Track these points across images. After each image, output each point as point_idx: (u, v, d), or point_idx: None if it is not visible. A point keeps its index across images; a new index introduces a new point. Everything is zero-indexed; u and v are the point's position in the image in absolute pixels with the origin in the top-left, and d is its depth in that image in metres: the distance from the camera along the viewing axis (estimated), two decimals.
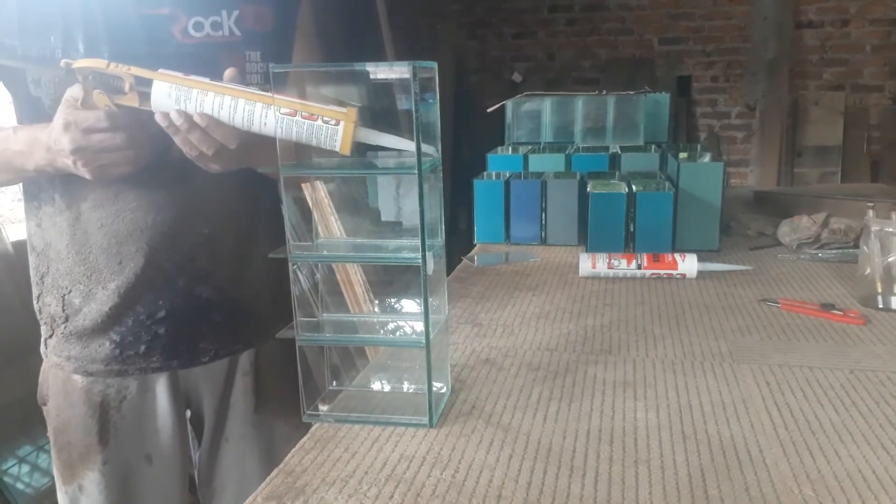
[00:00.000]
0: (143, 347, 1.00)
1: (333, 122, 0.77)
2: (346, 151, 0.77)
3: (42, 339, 1.05)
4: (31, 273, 1.04)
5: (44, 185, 0.98)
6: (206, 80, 0.81)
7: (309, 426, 0.78)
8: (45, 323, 1.04)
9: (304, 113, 0.77)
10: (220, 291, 1.03)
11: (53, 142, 0.85)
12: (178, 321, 1.01)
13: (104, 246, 0.96)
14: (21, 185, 1.01)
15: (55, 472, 1.06)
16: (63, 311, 1.00)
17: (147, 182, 0.95)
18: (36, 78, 0.91)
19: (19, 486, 1.86)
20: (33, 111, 0.94)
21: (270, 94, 0.78)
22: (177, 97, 0.80)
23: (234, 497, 1.11)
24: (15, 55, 0.90)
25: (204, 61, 0.89)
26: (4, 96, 1.00)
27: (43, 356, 1.07)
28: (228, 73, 0.82)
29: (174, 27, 0.93)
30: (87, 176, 0.87)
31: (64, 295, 1.00)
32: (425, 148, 0.70)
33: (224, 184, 0.98)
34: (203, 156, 0.85)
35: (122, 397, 1.02)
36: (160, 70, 0.81)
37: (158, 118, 0.81)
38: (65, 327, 1.01)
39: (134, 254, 0.96)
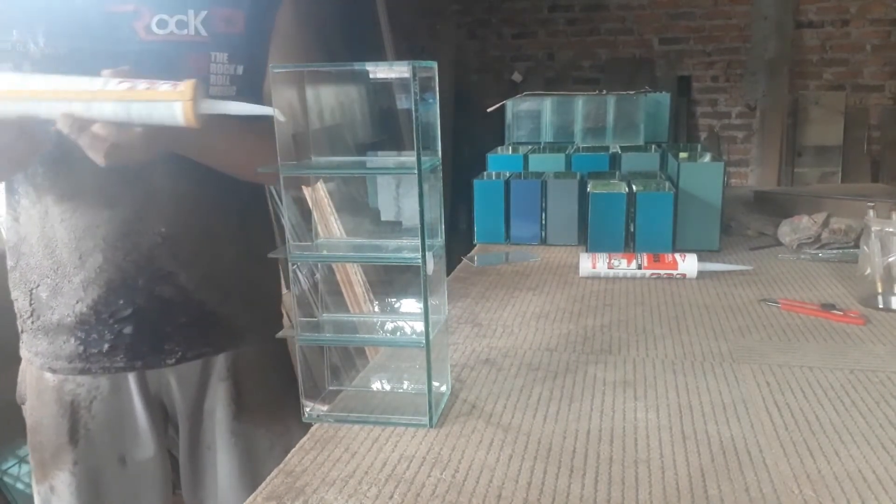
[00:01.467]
0: (106, 346, 0.99)
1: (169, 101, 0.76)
2: (193, 124, 0.77)
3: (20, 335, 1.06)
4: (12, 265, 1.03)
5: (21, 178, 0.97)
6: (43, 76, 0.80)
7: (291, 435, 0.77)
8: (17, 318, 1.04)
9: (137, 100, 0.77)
10: (183, 292, 1.01)
11: None
12: (142, 321, 0.99)
13: (66, 241, 0.96)
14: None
15: (32, 472, 1.06)
16: (30, 305, 1.00)
17: (103, 178, 0.94)
18: (23, 50, 0.89)
19: (19, 486, 1.86)
20: None
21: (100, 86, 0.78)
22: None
23: (224, 489, 1.09)
24: None
25: (166, 60, 0.88)
26: None
27: (21, 353, 1.07)
28: (106, 72, 0.80)
29: (137, 24, 0.92)
30: None
31: (32, 289, 0.99)
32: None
33: (182, 183, 0.97)
34: (100, 155, 0.82)
35: (93, 397, 1.01)
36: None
37: (59, 125, 0.80)
38: (32, 322, 1.01)
39: (92, 250, 0.96)
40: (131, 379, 1.02)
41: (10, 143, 0.83)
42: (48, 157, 0.94)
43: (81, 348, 0.99)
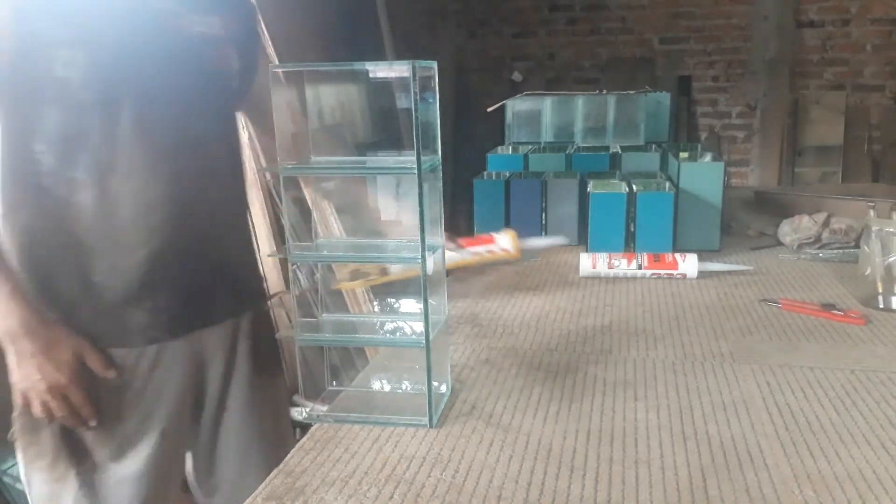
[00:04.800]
0: (164, 315, 1.03)
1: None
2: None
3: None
4: (35, 263, 1.01)
5: (68, 166, 0.98)
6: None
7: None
8: (63, 307, 1.02)
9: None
10: (227, 257, 1.10)
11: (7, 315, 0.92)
12: (196, 285, 1.06)
13: (129, 216, 0.99)
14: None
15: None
16: (85, 290, 1.00)
17: (172, 152, 1.01)
18: (69, 59, 0.92)
19: (19, 486, 1.85)
20: (52, 91, 0.93)
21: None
22: None
23: (240, 461, 1.15)
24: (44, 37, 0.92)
25: (198, 55, 0.96)
26: None
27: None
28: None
29: (174, 22, 0.98)
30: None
31: (83, 273, 1.00)
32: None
33: (230, 161, 1.10)
34: None
35: (140, 373, 1.03)
36: None
37: None
38: (89, 305, 1.00)
39: (156, 222, 1.00)
40: (179, 349, 1.06)
41: None
42: (116, 136, 0.97)
43: (150, 318, 1.02)
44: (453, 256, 1.14)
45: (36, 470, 1.04)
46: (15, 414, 1.04)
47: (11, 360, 0.95)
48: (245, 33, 1.09)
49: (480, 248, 1.15)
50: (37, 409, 0.96)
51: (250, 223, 1.23)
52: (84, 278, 1.00)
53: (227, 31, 1.05)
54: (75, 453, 1.04)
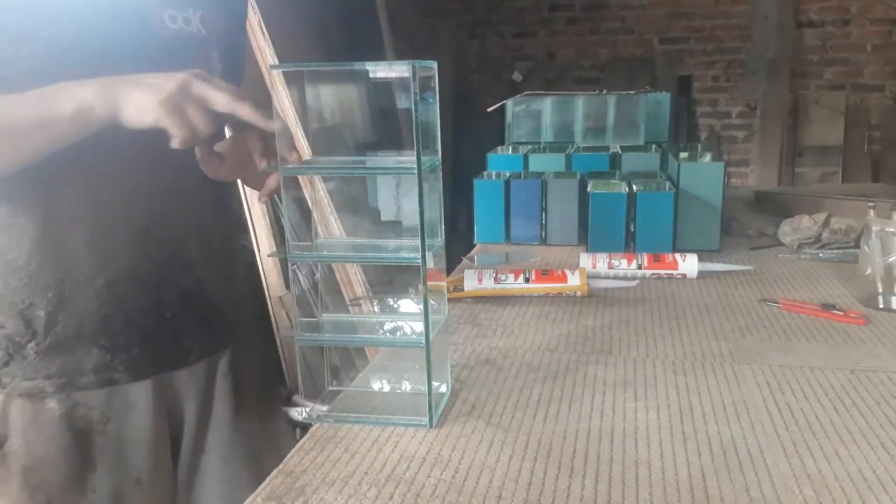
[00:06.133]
0: (135, 349, 0.93)
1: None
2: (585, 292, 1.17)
3: None
4: None
5: None
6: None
7: (289, 430, 0.77)
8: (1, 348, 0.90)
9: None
10: (202, 288, 0.99)
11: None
12: (166, 319, 0.95)
13: (85, 241, 0.88)
14: None
15: None
16: (26, 328, 0.88)
17: (142, 169, 0.90)
18: (7, 56, 0.80)
19: None
20: None
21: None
22: None
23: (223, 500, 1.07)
24: None
25: (177, 53, 0.87)
26: None
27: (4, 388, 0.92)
28: None
29: (150, 17, 0.89)
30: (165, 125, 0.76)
31: (22, 310, 0.88)
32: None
33: (204, 179, 0.93)
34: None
35: (107, 419, 0.93)
36: None
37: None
38: (36, 345, 0.89)
39: (122, 245, 0.90)
40: (146, 391, 0.96)
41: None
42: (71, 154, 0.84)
43: (108, 357, 0.91)
44: (517, 285, 1.16)
45: None
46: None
47: (127, 103, 0.76)
48: (230, 33, 1.00)
49: (551, 285, 1.16)
50: (176, 129, 0.76)
51: (246, 248, 1.11)
52: (28, 312, 0.88)
53: (208, 29, 0.94)
54: None
